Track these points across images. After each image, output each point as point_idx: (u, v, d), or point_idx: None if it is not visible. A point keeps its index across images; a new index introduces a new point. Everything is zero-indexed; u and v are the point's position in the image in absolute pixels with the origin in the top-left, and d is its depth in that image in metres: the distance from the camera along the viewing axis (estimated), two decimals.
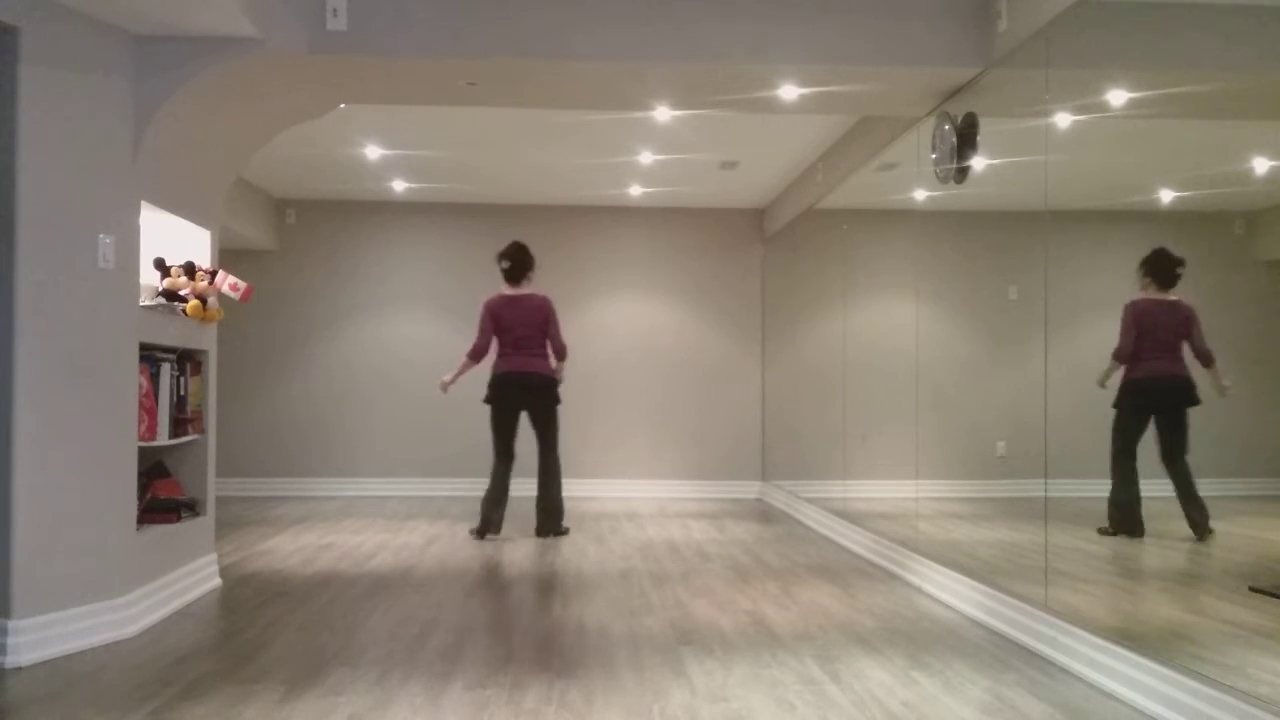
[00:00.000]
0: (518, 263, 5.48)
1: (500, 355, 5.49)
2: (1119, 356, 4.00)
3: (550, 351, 5.51)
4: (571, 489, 7.72)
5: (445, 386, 5.57)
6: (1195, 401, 3.80)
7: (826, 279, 6.07)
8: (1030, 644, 3.18)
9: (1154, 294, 3.98)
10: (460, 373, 5.54)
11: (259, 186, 7.29)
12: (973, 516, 4.63)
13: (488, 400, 5.51)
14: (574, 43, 3.73)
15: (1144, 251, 3.80)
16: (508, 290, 5.49)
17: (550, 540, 5.45)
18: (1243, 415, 3.52)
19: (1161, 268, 3.91)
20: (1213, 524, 3.70)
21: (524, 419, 5.55)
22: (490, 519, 5.44)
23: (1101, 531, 4.01)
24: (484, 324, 5.48)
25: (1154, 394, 3.96)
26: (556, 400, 5.51)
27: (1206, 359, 3.76)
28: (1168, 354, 3.96)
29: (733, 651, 3.15)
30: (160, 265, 3.75)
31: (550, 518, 5.58)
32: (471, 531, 5.56)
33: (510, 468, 5.52)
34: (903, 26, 3.77)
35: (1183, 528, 3.73)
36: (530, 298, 5.47)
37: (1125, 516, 4.00)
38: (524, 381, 5.42)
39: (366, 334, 7.75)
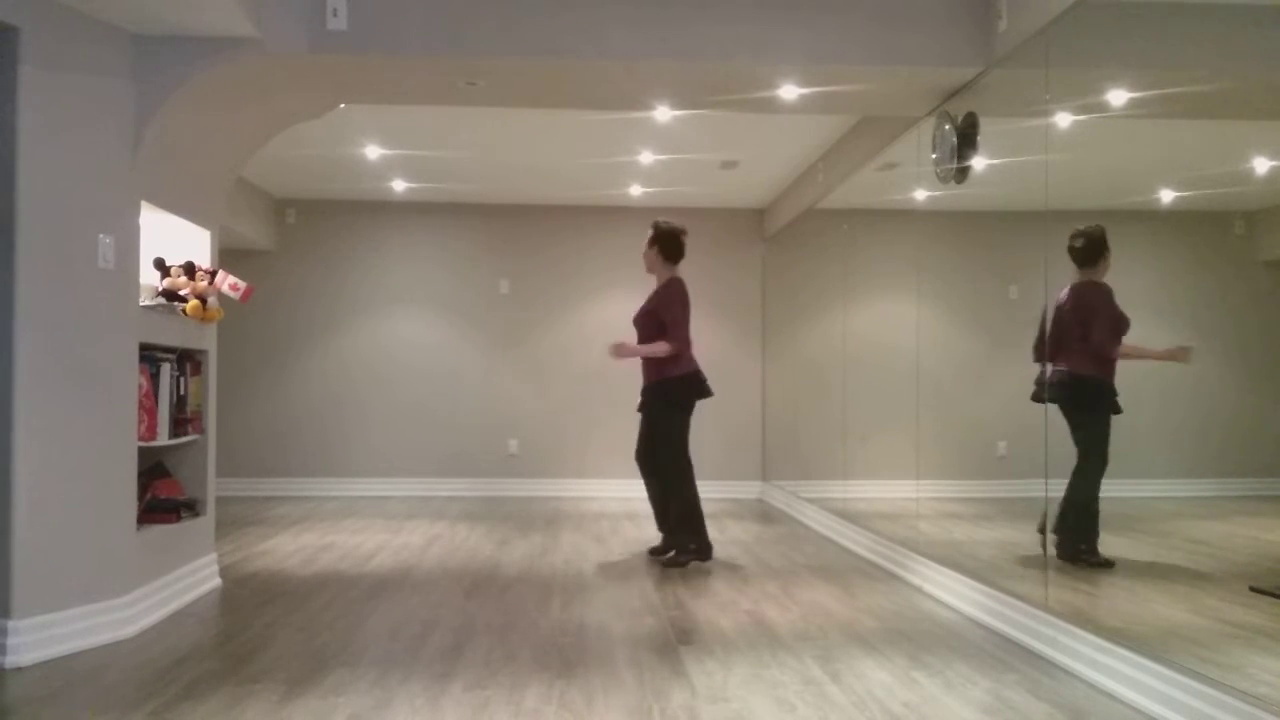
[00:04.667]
0: (659, 241, 4.82)
1: None
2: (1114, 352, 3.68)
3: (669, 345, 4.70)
4: (572, 489, 7.75)
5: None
6: None
7: (827, 279, 6.07)
8: (1031, 644, 3.18)
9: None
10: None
11: (259, 186, 7.29)
12: (973, 516, 4.62)
13: None
14: (574, 42, 3.73)
15: (1144, 251, 3.79)
16: None
17: (552, 541, 5.44)
18: (1243, 415, 3.52)
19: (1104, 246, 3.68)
20: (1204, 524, 3.70)
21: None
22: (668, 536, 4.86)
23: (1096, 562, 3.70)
24: None
25: None
26: (661, 402, 4.76)
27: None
28: None
29: (733, 652, 3.15)
30: (160, 265, 3.74)
31: (666, 536, 4.84)
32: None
33: (649, 475, 4.89)
34: (903, 26, 3.77)
35: (1182, 526, 3.73)
36: (657, 287, 4.85)
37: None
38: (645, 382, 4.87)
39: (366, 334, 7.76)
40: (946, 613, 3.71)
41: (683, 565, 4.67)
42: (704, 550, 4.73)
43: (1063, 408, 3.57)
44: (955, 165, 4.02)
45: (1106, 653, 2.79)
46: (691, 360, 4.75)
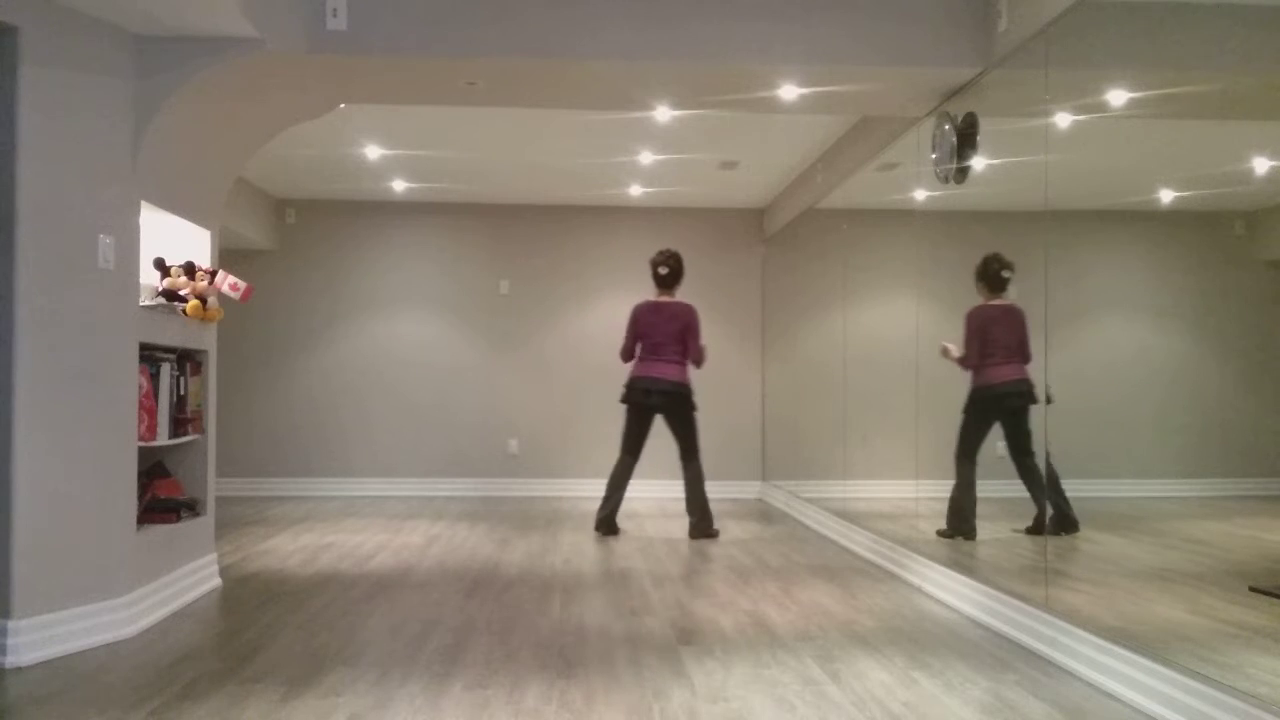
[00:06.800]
0: (675, 270, 5.65)
1: (638, 360, 5.65)
2: (966, 364, 4.33)
3: (690, 359, 5.62)
4: (572, 489, 7.75)
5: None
6: (1035, 401, 4.00)
7: (826, 279, 6.07)
8: (1030, 644, 3.18)
9: (988, 300, 4.23)
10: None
11: (259, 186, 7.29)
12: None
13: (623, 400, 5.68)
14: (574, 42, 3.73)
15: (1144, 251, 3.80)
16: (657, 296, 5.67)
17: (552, 541, 5.45)
18: (1243, 415, 3.52)
19: (989, 274, 4.21)
20: (1204, 524, 3.70)
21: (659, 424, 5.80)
22: (603, 516, 5.64)
23: (940, 534, 4.38)
24: (630, 329, 5.68)
25: (1003, 399, 4.23)
26: (690, 407, 5.57)
27: (1027, 359, 4.01)
28: (1009, 359, 4.20)
29: (733, 651, 3.15)
30: (160, 265, 3.74)
31: (700, 521, 5.58)
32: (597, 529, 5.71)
33: (631, 467, 5.66)
34: (903, 26, 3.77)
35: (1182, 526, 3.73)
36: (673, 304, 5.61)
37: (962, 518, 4.31)
38: (656, 388, 5.53)
39: (366, 334, 7.76)
40: (946, 613, 3.71)
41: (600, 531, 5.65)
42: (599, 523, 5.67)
43: (1024, 410, 4.03)
44: (955, 165, 4.02)
45: (1106, 653, 2.79)
46: (635, 369, 5.67)
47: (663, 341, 5.53)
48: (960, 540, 4.35)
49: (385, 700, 2.65)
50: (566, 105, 4.59)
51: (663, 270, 5.62)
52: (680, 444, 5.59)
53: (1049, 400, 3.68)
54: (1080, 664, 2.89)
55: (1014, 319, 4.21)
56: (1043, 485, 4.04)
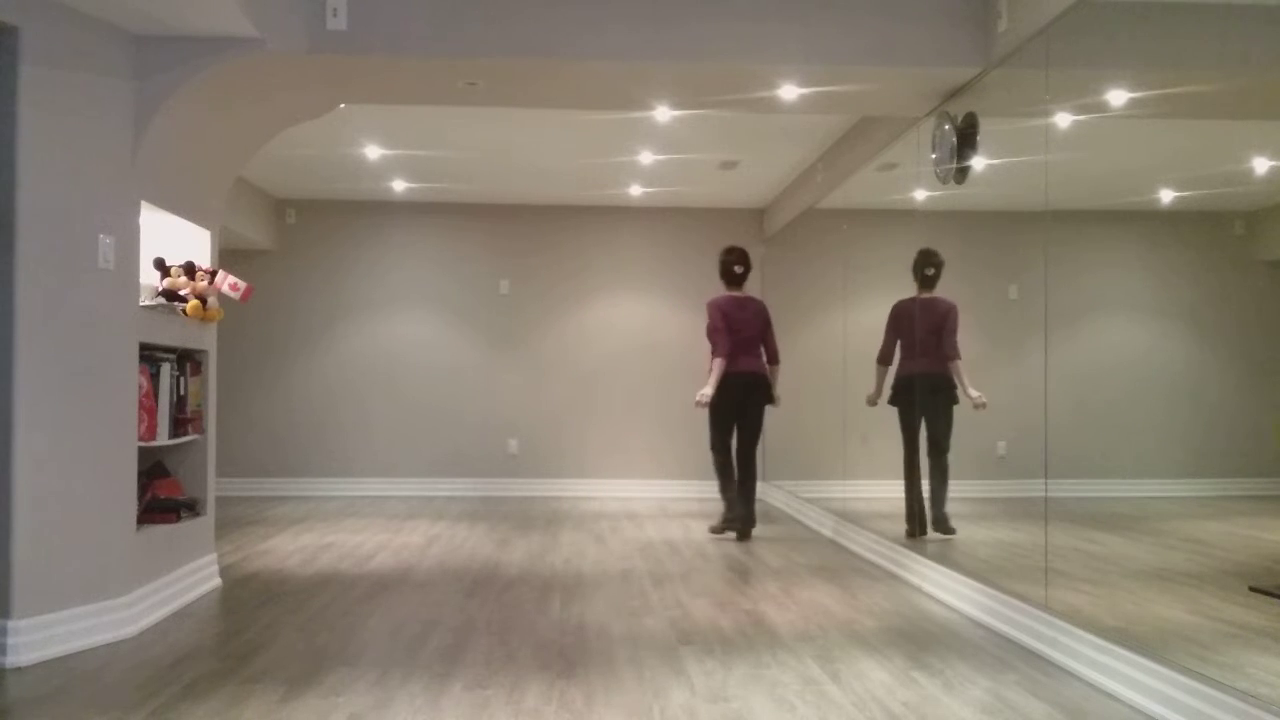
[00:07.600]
0: (749, 267, 5.66)
1: (726, 356, 5.53)
2: (880, 360, 4.66)
3: (765, 354, 5.63)
4: (572, 489, 7.76)
5: (706, 401, 5.44)
6: (954, 400, 4.25)
7: (827, 279, 6.07)
8: (1030, 644, 3.18)
9: (917, 294, 4.45)
10: (718, 380, 5.46)
11: (259, 186, 7.29)
12: (973, 516, 4.62)
13: (718, 399, 5.50)
14: (574, 42, 3.73)
15: (1144, 251, 3.81)
16: (733, 292, 5.63)
17: (552, 541, 5.45)
18: (1243, 415, 3.52)
19: (916, 270, 4.42)
20: (1204, 524, 3.71)
21: None
22: (747, 515, 5.54)
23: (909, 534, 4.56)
24: (718, 324, 5.51)
25: (913, 388, 4.48)
26: (771, 400, 5.62)
27: (953, 354, 4.24)
28: (923, 351, 4.44)
29: (733, 651, 3.15)
30: (160, 265, 3.74)
31: (748, 520, 5.57)
32: (715, 530, 5.62)
33: (731, 460, 5.60)
34: (903, 26, 3.77)
35: (1182, 526, 3.74)
36: (753, 301, 5.65)
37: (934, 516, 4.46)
38: (748, 382, 5.51)
39: (366, 334, 7.76)
40: (946, 613, 3.71)
41: (717, 533, 5.61)
42: (730, 523, 5.54)
43: (940, 404, 4.31)
44: (955, 165, 4.02)
45: (1106, 653, 2.79)
46: (721, 366, 5.48)
47: (752, 336, 5.53)
48: (958, 539, 4.35)
49: (385, 700, 2.65)
50: (566, 105, 4.60)
51: (738, 269, 5.59)
52: (750, 438, 5.55)
53: (978, 404, 4.00)
54: (1080, 664, 2.89)
55: (933, 312, 4.37)
56: (944, 488, 4.24)
